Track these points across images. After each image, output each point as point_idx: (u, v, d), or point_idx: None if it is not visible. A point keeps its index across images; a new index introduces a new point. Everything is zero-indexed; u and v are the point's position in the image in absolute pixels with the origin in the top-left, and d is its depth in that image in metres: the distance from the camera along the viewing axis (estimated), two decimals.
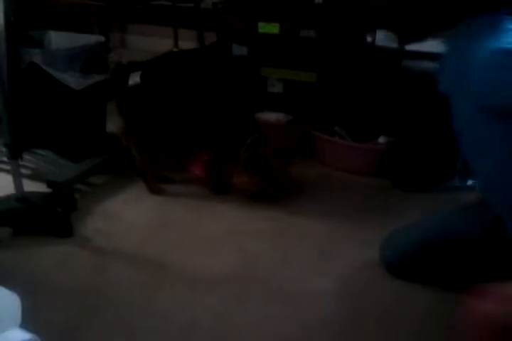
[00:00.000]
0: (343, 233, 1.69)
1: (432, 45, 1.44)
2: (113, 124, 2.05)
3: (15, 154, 1.61)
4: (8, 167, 1.71)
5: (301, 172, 2.04)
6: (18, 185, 1.64)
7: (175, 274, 1.49)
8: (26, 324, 0.90)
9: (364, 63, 1.93)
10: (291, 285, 1.46)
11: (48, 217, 1.68)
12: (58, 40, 2.19)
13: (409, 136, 1.94)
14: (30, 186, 1.80)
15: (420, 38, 1.13)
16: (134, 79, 1.83)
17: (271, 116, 2.23)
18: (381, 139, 2.01)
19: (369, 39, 1.51)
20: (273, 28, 1.66)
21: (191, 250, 1.61)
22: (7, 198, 1.68)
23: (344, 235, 1.68)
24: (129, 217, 1.78)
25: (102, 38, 2.17)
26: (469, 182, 1.93)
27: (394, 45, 1.47)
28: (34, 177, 1.95)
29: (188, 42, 3.37)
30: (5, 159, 1.75)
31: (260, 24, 1.68)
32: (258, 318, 1.33)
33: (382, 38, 1.49)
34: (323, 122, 2.11)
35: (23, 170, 1.88)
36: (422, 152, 1.86)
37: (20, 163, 1.68)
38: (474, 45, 0.98)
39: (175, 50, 3.40)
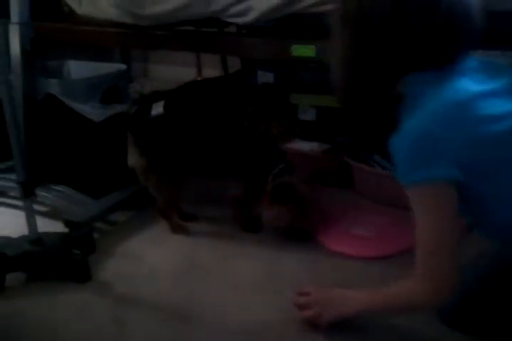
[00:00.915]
0: (394, 274, 1.51)
1: None
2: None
3: (28, 192, 1.49)
4: (22, 204, 1.58)
5: (338, 205, 1.89)
6: (32, 225, 1.52)
7: (200, 328, 1.33)
8: None
9: None
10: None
11: (64, 261, 1.55)
12: (78, 69, 2.11)
13: None
14: (46, 225, 1.69)
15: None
16: (157, 109, 1.72)
17: (304, 146, 2.09)
18: None
19: None
20: (308, 51, 1.53)
21: (219, 298, 1.45)
22: (20, 240, 1.55)
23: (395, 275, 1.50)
24: (151, 259, 1.64)
25: (123, 67, 2.08)
26: None
27: None
28: (50, 215, 1.84)
29: (211, 71, 3.29)
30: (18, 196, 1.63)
31: (294, 47, 1.55)
32: None
33: None
34: (361, 151, 1.96)
35: (39, 208, 1.78)
36: None
37: (36, 200, 1.56)
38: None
39: (198, 78, 3.33)
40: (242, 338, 1.30)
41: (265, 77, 2.61)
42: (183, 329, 1.33)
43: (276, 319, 1.36)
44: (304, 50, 1.55)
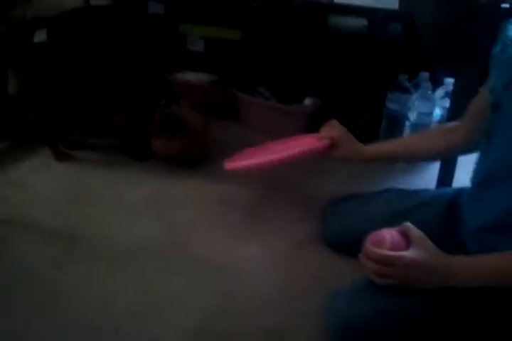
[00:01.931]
0: (268, 199, 1.62)
1: None
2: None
3: None
4: None
5: (223, 135, 1.95)
6: None
7: (88, 247, 1.37)
8: None
9: (291, 19, 1.85)
10: (215, 254, 1.37)
11: None
12: None
13: (337, 97, 1.88)
14: None
15: None
16: (40, 36, 1.65)
17: (192, 77, 2.10)
18: (307, 101, 1.93)
19: None
20: None
21: (105, 220, 1.48)
22: None
23: (270, 202, 1.61)
24: (35, 185, 1.63)
25: None
26: None
27: None
28: None
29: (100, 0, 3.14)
30: None
31: None
32: (181, 291, 1.24)
33: None
34: (247, 82, 2.01)
35: None
36: (349, 113, 1.81)
37: None
38: None
39: (85, 6, 3.17)
40: (128, 254, 1.35)
41: (156, 7, 2.55)
42: (68, 249, 1.36)
43: (160, 237, 1.42)
44: None
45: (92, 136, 1.90)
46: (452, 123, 1.25)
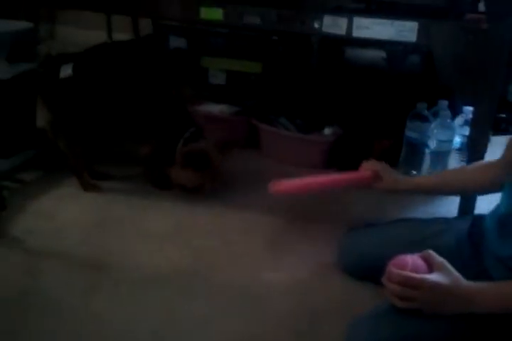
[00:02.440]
0: (291, 227, 1.64)
1: (380, 32, 1.44)
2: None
3: None
4: None
5: (245, 165, 1.99)
6: None
7: (115, 275, 1.39)
8: None
9: (309, 52, 1.90)
10: (239, 281, 1.39)
11: None
12: None
13: (357, 126, 1.92)
14: None
15: None
16: (66, 71, 1.71)
17: (213, 108, 2.16)
18: (326, 131, 1.97)
19: (316, 25, 1.46)
20: (216, 14, 1.57)
21: (132, 249, 1.51)
22: None
23: (293, 229, 1.63)
24: (63, 215, 1.66)
25: (30, 25, 2.02)
26: (413, 173, 1.93)
27: (341, 32, 1.43)
28: None
29: (122, 34, 3.25)
30: None
31: (202, 9, 1.59)
32: (205, 317, 1.25)
33: (329, 24, 1.44)
34: (268, 113, 2.06)
35: None
36: (369, 142, 1.84)
37: None
38: None
39: (108, 41, 3.27)
40: (154, 281, 1.37)
41: (177, 42, 2.63)
42: (95, 278, 1.38)
43: (185, 264, 1.44)
44: (212, 13, 1.59)
45: (117, 166, 1.94)
46: (491, 160, 1.28)
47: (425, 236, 1.27)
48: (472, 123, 1.53)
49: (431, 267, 0.98)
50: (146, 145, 1.76)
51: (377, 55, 1.81)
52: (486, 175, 1.26)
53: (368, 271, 1.18)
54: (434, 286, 0.95)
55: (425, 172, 1.86)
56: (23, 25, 2.02)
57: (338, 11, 1.54)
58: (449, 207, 1.70)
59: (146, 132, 1.75)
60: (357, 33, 1.43)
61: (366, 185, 1.41)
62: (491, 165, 1.26)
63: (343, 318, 1.13)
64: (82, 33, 3.45)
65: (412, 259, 1.00)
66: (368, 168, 1.41)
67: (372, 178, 1.39)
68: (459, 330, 0.98)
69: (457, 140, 1.87)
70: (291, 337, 1.20)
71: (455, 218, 1.50)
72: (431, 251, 1.00)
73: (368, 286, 1.30)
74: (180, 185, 1.76)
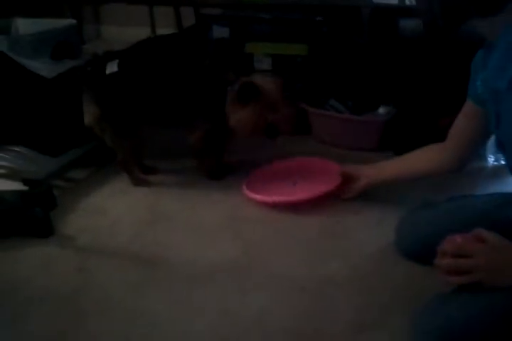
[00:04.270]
0: (348, 213, 1.56)
1: None
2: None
3: None
4: None
5: (297, 150, 1.91)
6: None
7: (168, 270, 1.35)
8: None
9: (360, 28, 1.80)
10: (296, 271, 1.33)
11: (26, 217, 1.53)
12: (26, 26, 2.05)
13: (411, 104, 1.80)
14: (6, 186, 1.66)
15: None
16: (112, 67, 1.69)
17: None
18: (381, 110, 1.86)
19: None
20: None
21: (184, 243, 1.47)
22: None
23: (349, 215, 1.55)
24: (114, 212, 1.64)
25: (73, 22, 2.02)
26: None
27: (393, 1, 1.32)
28: (9, 176, 1.79)
29: (166, 29, 3.23)
30: None
31: None
32: (264, 310, 1.20)
33: None
34: (317, 96, 1.97)
35: None
36: (427, 121, 1.72)
37: None
38: None
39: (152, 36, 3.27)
40: (210, 275, 1.33)
41: (220, 31, 2.58)
42: (149, 273, 1.35)
43: (239, 256, 1.39)
44: None
45: (165, 160, 1.91)
46: (436, 145, 1.32)
47: (489, 209, 1.21)
48: None
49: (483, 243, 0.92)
50: (194, 133, 1.71)
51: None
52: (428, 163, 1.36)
53: (427, 252, 1.10)
54: (488, 251, 0.90)
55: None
56: (66, 22, 2.02)
57: None
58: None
59: (193, 120, 1.70)
60: (410, 0, 1.32)
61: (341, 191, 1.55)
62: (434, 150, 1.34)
63: (407, 306, 1.08)
64: (127, 30, 3.46)
65: (462, 236, 0.95)
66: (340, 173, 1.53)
67: (344, 184, 1.50)
68: None
69: None
70: (356, 331, 1.13)
71: None
72: (481, 229, 0.94)
73: (430, 271, 1.19)
74: (243, 130, 1.65)
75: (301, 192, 1.61)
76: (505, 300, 0.90)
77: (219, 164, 1.79)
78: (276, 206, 1.58)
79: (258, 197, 1.59)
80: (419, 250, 1.26)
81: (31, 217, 1.53)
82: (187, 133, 1.72)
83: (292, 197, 1.59)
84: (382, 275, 1.30)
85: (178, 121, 1.72)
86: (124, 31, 3.47)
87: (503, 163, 1.76)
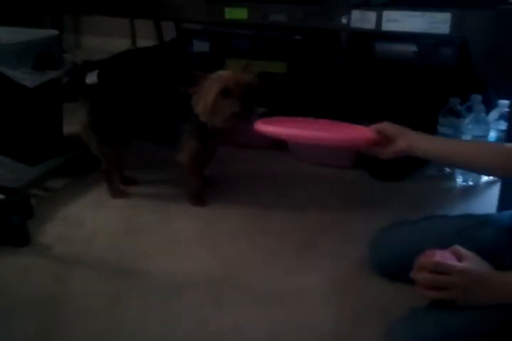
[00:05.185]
0: (324, 228, 1.60)
1: (411, 25, 1.39)
2: (70, 126, 1.92)
3: None
4: None
5: (274, 167, 1.95)
6: None
7: (144, 281, 1.37)
8: None
9: (337, 49, 1.86)
10: (272, 285, 1.35)
11: (2, 226, 1.53)
12: (7, 35, 2.04)
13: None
14: None
15: None
16: (92, 78, 1.71)
17: None
18: None
19: (344, 20, 1.42)
20: (241, 13, 1.54)
21: (160, 254, 1.48)
22: None
23: (325, 230, 1.59)
24: (91, 222, 1.65)
25: (55, 32, 2.02)
26: (447, 170, 1.88)
27: (370, 26, 1.39)
28: None
29: (146, 41, 3.26)
30: None
31: (227, 9, 1.56)
32: (238, 323, 1.22)
33: (357, 18, 1.40)
34: (295, 114, 2.01)
35: None
36: None
37: None
38: None
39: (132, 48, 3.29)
40: (184, 287, 1.34)
41: (201, 46, 2.62)
42: (125, 284, 1.36)
43: (215, 269, 1.41)
44: (236, 13, 1.57)
45: (143, 170, 1.93)
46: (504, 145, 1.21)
47: (461, 229, 1.22)
48: (510, 117, 1.47)
49: (460, 260, 0.96)
50: (180, 152, 1.67)
51: (408, 48, 1.75)
52: (497, 161, 1.14)
53: (400, 269, 1.13)
54: (465, 271, 0.93)
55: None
56: (48, 33, 2.02)
57: (364, 4, 1.50)
58: (487, 205, 1.64)
59: (177, 137, 1.67)
60: (386, 26, 1.39)
61: (365, 147, 1.25)
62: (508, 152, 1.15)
63: (381, 320, 1.10)
64: (107, 41, 3.48)
65: (440, 252, 0.99)
66: (377, 129, 1.21)
67: (375, 142, 1.21)
68: (508, 323, 0.93)
69: (492, 135, 1.81)
70: None
71: (493, 214, 1.45)
72: (458, 246, 0.98)
73: (403, 286, 1.23)
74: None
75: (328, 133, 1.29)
76: (486, 320, 0.93)
77: (202, 188, 1.76)
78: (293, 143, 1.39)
79: (270, 128, 1.28)
80: (391, 267, 1.29)
81: (7, 225, 1.53)
82: (174, 151, 1.69)
83: (318, 133, 1.26)
84: (358, 288, 1.33)
85: (163, 136, 1.73)
86: (104, 41, 3.49)
87: (470, 183, 1.83)
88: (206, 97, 1.50)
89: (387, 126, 1.20)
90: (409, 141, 1.18)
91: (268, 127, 1.28)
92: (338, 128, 1.34)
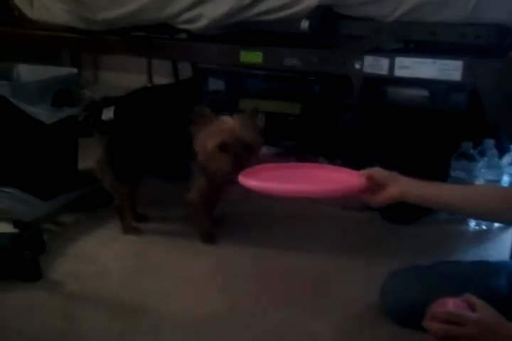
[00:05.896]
0: (335, 271, 1.59)
1: (423, 71, 1.41)
2: (85, 161, 1.96)
3: None
4: None
5: (285, 207, 1.95)
6: None
7: (153, 321, 1.36)
8: None
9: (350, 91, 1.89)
10: (282, 328, 1.33)
11: (14, 260, 1.54)
12: (28, 73, 2.10)
13: (399, 166, 1.87)
14: None
15: None
16: (108, 114, 1.74)
17: None
18: None
19: (357, 66, 1.45)
20: (256, 57, 1.58)
21: (170, 293, 1.48)
22: None
23: (337, 273, 1.58)
24: (102, 258, 1.65)
25: (74, 70, 2.08)
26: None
27: (383, 72, 1.42)
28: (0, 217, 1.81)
29: (162, 78, 3.32)
30: None
31: (242, 53, 1.60)
32: None
33: (370, 64, 1.43)
34: (308, 153, 2.04)
35: None
36: None
37: None
38: None
39: (149, 85, 3.35)
40: (193, 328, 1.33)
41: (216, 84, 2.68)
42: (134, 322, 1.35)
43: (224, 312, 1.40)
44: (251, 57, 1.61)
45: (155, 207, 1.94)
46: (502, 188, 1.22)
47: (474, 275, 1.22)
48: None
49: (473, 309, 0.95)
50: (191, 190, 1.69)
51: (420, 94, 1.78)
52: (502, 201, 1.11)
53: (411, 315, 1.12)
54: (480, 322, 0.92)
55: None
56: (67, 71, 2.08)
57: (377, 51, 1.53)
58: (500, 250, 1.62)
59: (189, 175, 1.68)
60: (399, 72, 1.42)
61: (355, 195, 1.20)
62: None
63: None
64: (124, 77, 3.55)
65: (453, 301, 0.97)
66: (368, 174, 1.17)
67: (365, 189, 1.16)
68: None
69: (505, 179, 1.81)
70: None
71: (507, 261, 1.43)
72: (471, 295, 0.97)
73: (415, 332, 1.21)
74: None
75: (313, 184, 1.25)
76: None
77: (211, 226, 1.77)
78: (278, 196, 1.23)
79: (253, 183, 1.23)
80: (402, 312, 1.28)
81: (20, 259, 1.55)
82: (185, 188, 1.71)
83: (304, 186, 1.23)
84: (369, 334, 1.31)
85: (174, 173, 1.75)
86: (121, 77, 3.56)
87: (483, 227, 1.82)
88: (205, 145, 1.55)
89: (378, 172, 1.18)
90: (401, 187, 1.16)
91: (251, 181, 1.23)
92: (327, 174, 1.31)
